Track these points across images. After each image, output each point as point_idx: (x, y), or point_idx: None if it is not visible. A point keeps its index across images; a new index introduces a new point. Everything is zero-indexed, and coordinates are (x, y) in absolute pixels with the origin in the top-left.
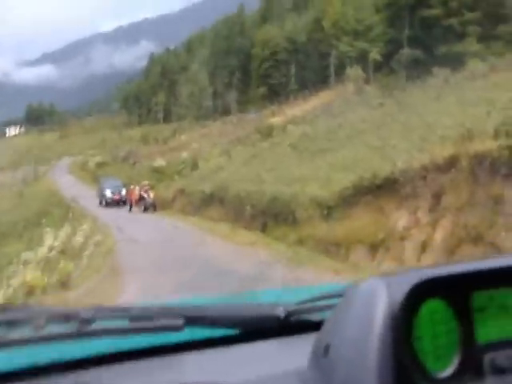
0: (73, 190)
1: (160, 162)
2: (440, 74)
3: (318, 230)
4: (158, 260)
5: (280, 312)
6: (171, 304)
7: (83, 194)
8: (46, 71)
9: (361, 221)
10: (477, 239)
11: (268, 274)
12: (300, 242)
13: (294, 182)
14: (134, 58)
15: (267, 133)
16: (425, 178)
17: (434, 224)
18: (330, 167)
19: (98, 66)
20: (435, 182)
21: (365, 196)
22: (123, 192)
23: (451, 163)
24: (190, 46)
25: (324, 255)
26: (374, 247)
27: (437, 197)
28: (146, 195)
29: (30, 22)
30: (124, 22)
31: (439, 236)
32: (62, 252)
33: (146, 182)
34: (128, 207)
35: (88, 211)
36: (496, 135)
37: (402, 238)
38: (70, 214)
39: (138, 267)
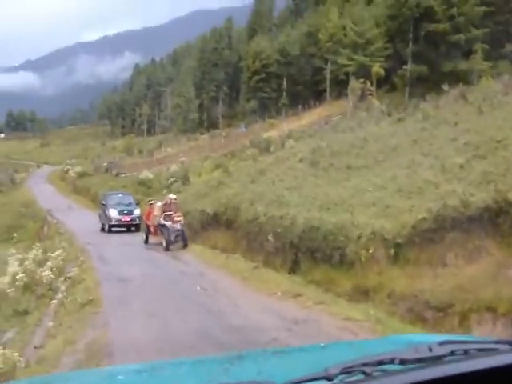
0: (50, 201)
1: (146, 174)
2: (451, 91)
3: (389, 279)
4: (167, 328)
5: None
6: None
7: (61, 207)
8: (29, 78)
9: (464, 271)
10: None
11: None
12: (362, 294)
13: (334, 208)
14: (118, 68)
15: (265, 147)
16: None
17: None
18: (379, 189)
19: (81, 75)
20: None
21: (450, 232)
22: (136, 211)
23: None
24: (175, 58)
25: (420, 326)
26: None
27: None
28: (167, 222)
29: (14, 28)
30: (108, 32)
31: None
32: (26, 288)
33: (173, 197)
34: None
35: (65, 228)
36: None
37: None
38: (45, 230)
39: (136, 342)
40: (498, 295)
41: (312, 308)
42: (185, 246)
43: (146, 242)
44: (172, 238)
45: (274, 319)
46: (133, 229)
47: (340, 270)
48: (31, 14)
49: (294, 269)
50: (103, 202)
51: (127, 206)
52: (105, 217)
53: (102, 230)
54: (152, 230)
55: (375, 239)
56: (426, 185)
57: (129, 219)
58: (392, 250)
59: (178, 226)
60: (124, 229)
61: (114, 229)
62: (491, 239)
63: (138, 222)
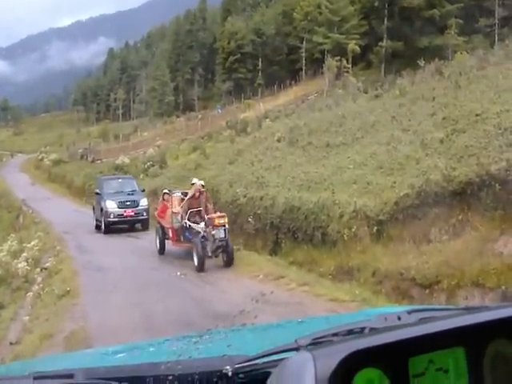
0: (26, 191)
1: (123, 159)
2: (427, 66)
3: (372, 257)
4: (149, 318)
5: (228, 370)
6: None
7: (37, 196)
8: (0, 66)
9: (449, 247)
10: None
11: None
12: (346, 273)
13: (315, 187)
14: (92, 54)
15: (242, 128)
16: None
17: None
18: (360, 167)
19: (54, 62)
20: None
21: (433, 207)
22: (143, 202)
23: None
24: (150, 42)
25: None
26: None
27: None
28: (198, 225)
29: None
30: (81, 17)
31: None
32: (1, 281)
33: (201, 183)
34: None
35: (41, 217)
36: None
37: None
38: (21, 219)
39: (117, 334)
40: (485, 270)
41: (296, 290)
42: (228, 263)
43: (162, 252)
44: (209, 250)
45: (257, 304)
46: (138, 225)
47: (322, 250)
48: (1, 1)
49: (275, 250)
50: (97, 191)
51: (130, 194)
52: (100, 211)
53: (97, 227)
54: (170, 233)
55: (357, 217)
56: (406, 161)
57: (133, 213)
58: (375, 228)
59: (222, 233)
60: (126, 226)
61: (113, 224)
62: (475, 213)
63: (145, 216)
